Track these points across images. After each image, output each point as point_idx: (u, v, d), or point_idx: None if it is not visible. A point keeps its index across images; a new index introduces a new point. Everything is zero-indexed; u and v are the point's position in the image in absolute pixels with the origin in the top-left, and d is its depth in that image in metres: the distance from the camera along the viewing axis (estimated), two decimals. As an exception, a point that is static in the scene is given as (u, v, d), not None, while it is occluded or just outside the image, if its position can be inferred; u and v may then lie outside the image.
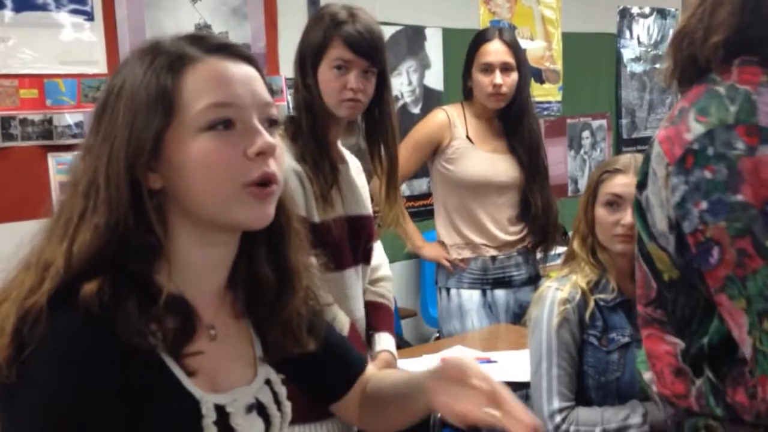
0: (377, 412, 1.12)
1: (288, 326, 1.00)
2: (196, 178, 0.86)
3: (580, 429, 1.74)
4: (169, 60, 0.87)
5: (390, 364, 1.87)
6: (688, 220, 0.80)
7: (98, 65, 2.72)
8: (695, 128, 0.81)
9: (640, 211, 0.87)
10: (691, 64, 0.87)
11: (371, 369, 1.16)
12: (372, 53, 1.74)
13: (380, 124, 1.81)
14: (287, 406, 1.02)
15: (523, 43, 4.10)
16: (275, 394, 1.00)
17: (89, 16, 2.72)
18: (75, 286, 0.81)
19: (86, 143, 0.89)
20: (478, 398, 0.95)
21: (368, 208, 1.88)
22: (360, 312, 1.86)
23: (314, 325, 1.03)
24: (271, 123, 0.91)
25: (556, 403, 1.76)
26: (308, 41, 1.78)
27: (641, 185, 0.86)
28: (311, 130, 1.74)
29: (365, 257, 1.89)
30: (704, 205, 0.78)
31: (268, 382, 1.00)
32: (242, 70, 0.90)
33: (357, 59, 1.73)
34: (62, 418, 0.79)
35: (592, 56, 4.48)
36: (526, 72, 2.71)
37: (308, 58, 1.77)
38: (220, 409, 0.90)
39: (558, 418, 1.76)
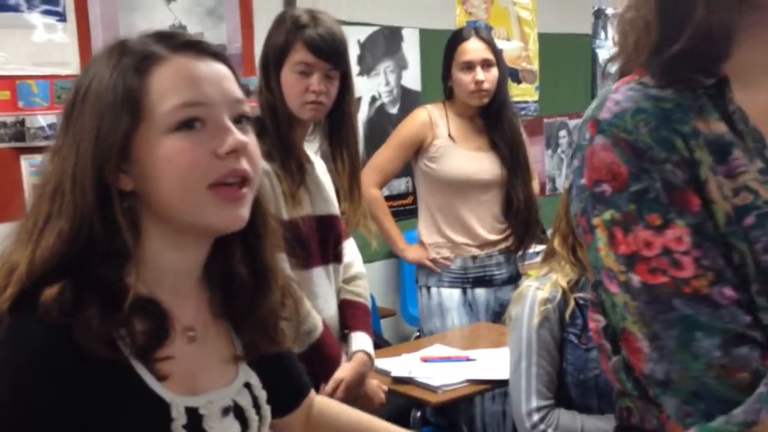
0: None
1: (264, 325, 0.99)
2: (166, 179, 0.84)
3: None
4: (135, 60, 0.86)
5: (365, 364, 1.87)
6: (571, 205, 0.91)
7: (71, 66, 2.69)
8: (579, 124, 0.93)
9: (571, 204, 0.94)
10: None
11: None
12: (334, 56, 1.76)
13: (342, 125, 1.83)
14: (266, 410, 1.00)
15: (500, 44, 4.12)
16: (255, 398, 0.98)
17: (62, 17, 2.69)
18: (37, 292, 0.79)
19: (55, 144, 0.88)
20: None
21: (336, 208, 1.89)
22: (329, 311, 1.86)
23: (289, 325, 1.02)
24: (242, 120, 0.90)
25: (534, 402, 1.77)
26: (271, 44, 1.79)
27: None
28: (276, 132, 1.75)
29: (336, 257, 1.90)
30: (574, 190, 0.89)
31: (247, 385, 0.98)
32: (211, 68, 0.88)
33: (319, 62, 1.74)
34: (15, 425, 0.78)
35: (568, 56, 4.51)
36: (504, 67, 2.75)
37: (271, 60, 1.78)
38: (193, 412, 0.88)
39: (536, 417, 1.76)
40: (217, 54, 0.91)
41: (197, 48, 0.89)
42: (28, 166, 2.62)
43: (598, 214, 0.84)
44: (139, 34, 0.90)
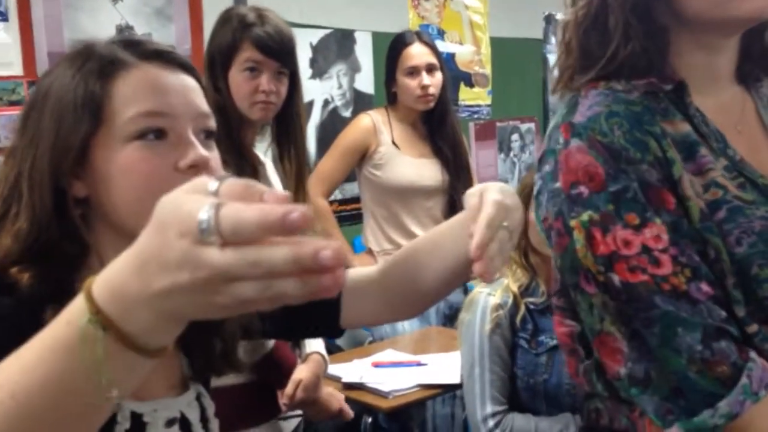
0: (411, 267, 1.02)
1: (214, 349, 0.95)
2: (122, 188, 0.82)
3: None
4: (100, 64, 0.84)
5: (320, 365, 1.85)
6: (540, 210, 0.92)
7: (13, 67, 2.61)
8: (548, 130, 0.94)
9: (538, 209, 0.95)
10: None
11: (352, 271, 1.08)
12: (283, 55, 1.73)
13: (291, 126, 1.80)
14: (214, 423, 0.97)
15: (452, 48, 4.16)
16: (203, 410, 0.96)
17: (3, 17, 2.61)
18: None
19: (12, 146, 0.85)
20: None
21: None
22: None
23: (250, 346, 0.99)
24: (207, 135, 0.88)
25: (489, 408, 1.78)
26: (216, 43, 1.76)
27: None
28: (226, 134, 1.71)
29: None
30: (545, 195, 0.90)
31: (198, 397, 0.96)
32: (178, 79, 0.86)
33: (268, 61, 1.71)
34: None
35: (519, 61, 4.55)
36: (446, 70, 2.75)
37: (218, 60, 1.74)
38: (137, 419, 0.86)
39: (491, 423, 1.77)
40: (185, 65, 0.89)
41: (166, 58, 0.87)
42: (-32, 170, 2.54)
43: (576, 216, 0.84)
44: (107, 39, 0.88)
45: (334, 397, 1.92)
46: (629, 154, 0.84)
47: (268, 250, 0.47)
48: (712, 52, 0.93)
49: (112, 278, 0.55)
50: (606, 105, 0.88)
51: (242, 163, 1.73)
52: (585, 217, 0.84)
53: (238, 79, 1.72)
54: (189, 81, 0.88)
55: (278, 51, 1.72)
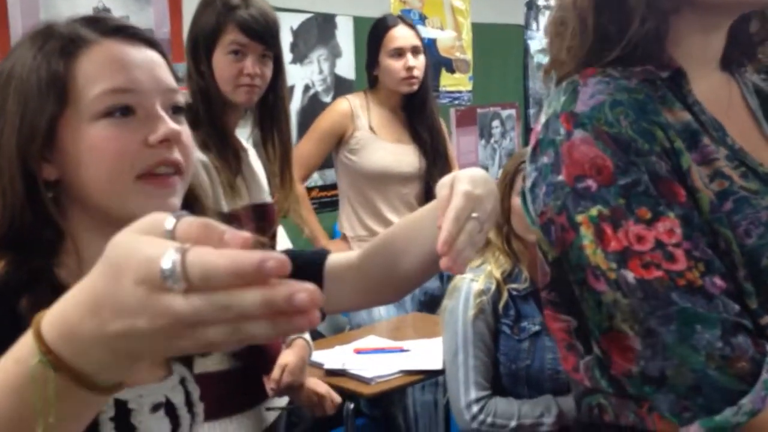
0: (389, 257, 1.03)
1: None
2: (92, 167, 0.81)
3: (496, 421, 1.76)
4: (62, 43, 0.82)
5: (306, 350, 1.85)
6: (536, 203, 0.88)
7: (-12, 50, 2.56)
8: (542, 120, 0.90)
9: (524, 198, 0.92)
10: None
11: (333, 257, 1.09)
12: (268, 37, 1.71)
13: (275, 109, 1.79)
14: (199, 406, 0.97)
15: (434, 33, 4.14)
16: (188, 394, 0.95)
17: (-23, -2, 2.56)
18: None
19: None
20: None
21: (269, 195, 1.85)
22: None
23: None
24: (175, 110, 0.86)
25: (473, 393, 1.78)
26: (200, 26, 1.73)
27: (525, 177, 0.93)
28: (209, 118, 1.70)
29: (270, 246, 1.86)
30: (544, 188, 0.86)
31: (182, 381, 0.95)
32: (143, 54, 0.85)
33: (253, 43, 1.69)
34: None
35: (500, 47, 4.54)
36: (428, 55, 2.75)
37: (201, 44, 1.72)
38: (122, 405, 0.85)
39: (475, 408, 1.78)
40: (149, 40, 0.87)
41: (128, 33, 0.85)
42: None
43: (583, 211, 0.81)
44: (67, 18, 0.86)
45: (320, 385, 1.92)
46: (638, 146, 0.81)
47: (239, 294, 0.45)
48: (711, 35, 0.91)
49: (64, 316, 0.51)
50: (608, 93, 0.84)
51: (225, 149, 1.71)
52: (594, 212, 0.81)
53: (222, 62, 1.70)
54: (154, 56, 0.87)
55: (263, 34, 1.70)
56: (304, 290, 0.45)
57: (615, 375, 0.86)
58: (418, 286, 1.10)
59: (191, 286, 0.45)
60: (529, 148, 0.91)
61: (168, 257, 0.45)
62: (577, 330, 0.91)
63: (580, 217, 0.82)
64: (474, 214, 0.84)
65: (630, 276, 0.79)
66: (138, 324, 0.47)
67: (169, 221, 0.48)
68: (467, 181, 0.86)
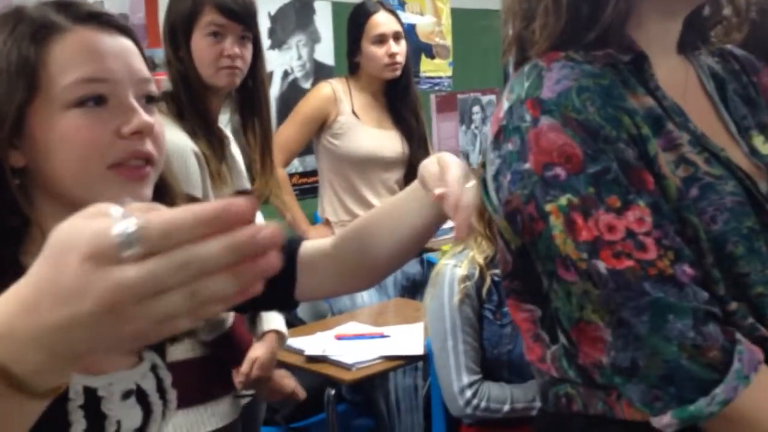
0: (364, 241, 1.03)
1: None
2: (63, 156, 0.80)
3: (490, 405, 1.78)
4: (33, 28, 0.80)
5: (277, 344, 1.82)
6: (501, 191, 0.86)
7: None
8: (504, 106, 0.87)
9: (485, 187, 0.90)
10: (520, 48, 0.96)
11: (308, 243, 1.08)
12: (246, 18, 1.69)
13: (255, 94, 1.76)
14: (172, 393, 0.96)
15: (413, 18, 4.12)
16: (160, 381, 0.94)
17: (-53, -18, 2.51)
18: None
19: None
20: None
21: (248, 182, 1.83)
22: None
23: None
24: (149, 100, 0.85)
25: (466, 379, 1.79)
26: (177, 10, 1.70)
27: (484, 164, 0.91)
28: (191, 105, 1.67)
29: None
30: (509, 176, 0.84)
31: (153, 368, 0.94)
32: (116, 42, 0.84)
33: (231, 24, 1.67)
34: None
35: (480, 32, 4.50)
36: (409, 41, 2.75)
37: (179, 28, 1.69)
38: (92, 393, 0.84)
39: (468, 393, 1.78)
40: (122, 28, 0.86)
41: (101, 20, 0.84)
42: None
43: (552, 200, 0.80)
44: (37, 1, 0.84)
45: (286, 379, 1.91)
46: (606, 132, 0.80)
47: (199, 246, 0.42)
48: (672, 19, 0.90)
49: (1, 315, 0.48)
50: (574, 79, 0.83)
51: (211, 137, 1.69)
52: (563, 201, 0.79)
53: (201, 45, 1.67)
54: (127, 44, 0.85)
55: (241, 14, 1.67)
56: (266, 227, 0.43)
57: (583, 365, 0.85)
58: (393, 271, 1.10)
59: (147, 250, 0.42)
60: (490, 135, 0.89)
61: (120, 224, 0.43)
62: (542, 319, 0.90)
63: (549, 207, 0.80)
64: (468, 184, 0.88)
65: (601, 266, 0.78)
66: (81, 309, 0.44)
67: (114, 209, 0.46)
68: (452, 159, 0.90)
